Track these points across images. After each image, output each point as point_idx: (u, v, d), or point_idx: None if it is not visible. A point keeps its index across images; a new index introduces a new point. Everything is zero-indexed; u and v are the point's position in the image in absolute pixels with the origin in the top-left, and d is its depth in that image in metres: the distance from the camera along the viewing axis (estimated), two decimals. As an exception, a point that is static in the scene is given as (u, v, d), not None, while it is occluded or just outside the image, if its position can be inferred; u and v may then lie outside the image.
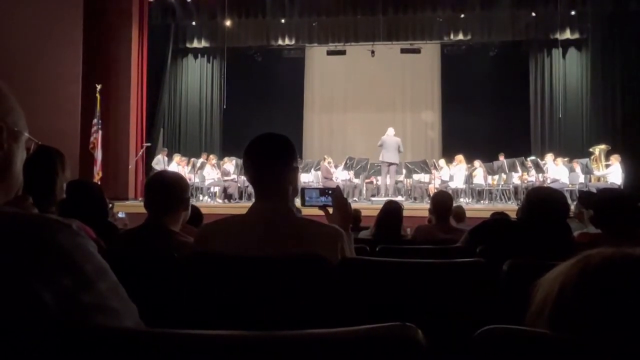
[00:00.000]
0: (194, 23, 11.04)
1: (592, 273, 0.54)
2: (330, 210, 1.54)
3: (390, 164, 8.70)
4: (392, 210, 3.00)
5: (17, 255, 0.57)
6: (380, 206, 3.16)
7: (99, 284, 0.62)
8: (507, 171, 8.77)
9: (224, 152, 11.26)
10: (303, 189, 1.56)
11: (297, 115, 12.70)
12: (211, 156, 9.83)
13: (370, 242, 2.41)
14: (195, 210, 2.88)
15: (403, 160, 9.77)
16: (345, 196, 1.73)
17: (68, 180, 1.56)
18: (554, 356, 0.49)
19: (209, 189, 9.22)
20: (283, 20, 10.72)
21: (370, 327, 0.52)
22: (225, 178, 9.19)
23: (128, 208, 7.05)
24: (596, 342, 0.49)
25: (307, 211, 1.68)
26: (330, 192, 1.55)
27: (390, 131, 8.90)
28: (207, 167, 9.35)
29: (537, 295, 0.60)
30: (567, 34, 10.50)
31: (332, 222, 1.46)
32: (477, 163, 9.10)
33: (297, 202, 1.58)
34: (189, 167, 9.27)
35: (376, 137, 9.13)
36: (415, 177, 9.39)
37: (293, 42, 11.25)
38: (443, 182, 8.97)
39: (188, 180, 2.04)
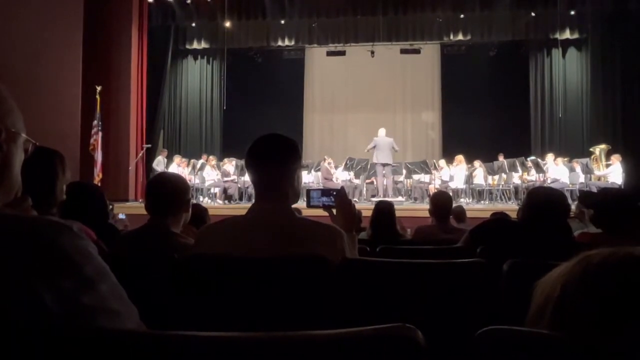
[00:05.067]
0: (193, 24, 11.04)
1: (593, 273, 0.54)
2: (335, 211, 1.54)
3: (385, 164, 8.69)
4: (383, 210, 3.02)
5: (18, 257, 0.57)
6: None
7: (100, 286, 0.62)
8: (508, 171, 8.77)
9: (224, 153, 11.27)
10: (308, 190, 1.56)
11: (297, 116, 12.71)
12: (211, 157, 9.84)
13: (368, 242, 2.41)
14: (201, 208, 2.87)
15: (403, 160, 9.77)
16: (345, 197, 1.72)
17: (68, 182, 1.56)
18: (555, 357, 0.49)
19: (209, 190, 9.23)
20: (283, 21, 10.73)
21: (370, 328, 0.52)
22: (225, 179, 9.19)
23: (128, 209, 7.05)
24: (597, 343, 0.49)
25: (312, 212, 1.68)
26: (334, 192, 1.55)
27: (382, 132, 8.89)
28: (207, 168, 9.36)
29: (538, 297, 0.60)
30: (567, 34, 10.50)
31: (335, 223, 1.45)
32: (477, 163, 9.10)
33: (301, 203, 1.58)
34: (189, 168, 9.28)
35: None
36: (416, 177, 9.39)
37: (293, 43, 11.26)
38: (443, 182, 8.97)
39: (188, 182, 2.04)
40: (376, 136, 8.90)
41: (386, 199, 8.49)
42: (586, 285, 0.54)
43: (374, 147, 8.73)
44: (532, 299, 0.60)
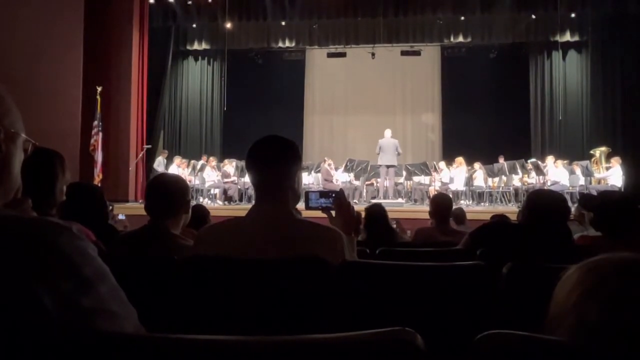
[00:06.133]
0: (194, 25, 11.06)
1: (605, 283, 0.54)
2: (334, 213, 1.54)
3: (389, 166, 8.70)
4: (374, 214, 2.99)
5: (17, 259, 0.57)
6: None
7: (99, 288, 0.62)
8: (508, 173, 8.77)
9: (224, 154, 11.27)
10: (307, 192, 1.56)
11: (298, 118, 12.71)
12: (211, 158, 9.84)
13: (363, 245, 2.40)
14: (203, 210, 2.86)
15: (403, 162, 9.77)
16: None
17: (68, 183, 1.56)
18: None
19: (209, 190, 9.22)
20: (283, 23, 10.74)
21: (370, 332, 0.51)
22: (226, 180, 9.19)
23: (128, 210, 7.05)
24: (597, 349, 0.48)
25: (311, 214, 1.68)
26: (333, 194, 1.55)
27: (388, 133, 8.89)
28: (207, 169, 9.36)
29: (552, 310, 0.59)
30: (567, 36, 10.52)
31: (334, 225, 1.45)
32: (477, 165, 9.11)
33: (302, 204, 1.58)
34: (189, 169, 9.28)
35: (376, 139, 9.12)
36: (416, 179, 9.39)
37: (293, 44, 11.27)
38: (443, 184, 8.97)
39: (188, 182, 2.04)
40: (381, 137, 8.90)
41: (386, 200, 8.50)
42: (606, 294, 0.53)
43: (379, 149, 8.73)
44: (548, 312, 0.60)
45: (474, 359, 0.49)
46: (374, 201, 8.67)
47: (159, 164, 9.45)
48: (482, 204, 8.86)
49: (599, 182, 8.59)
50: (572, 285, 0.57)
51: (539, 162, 8.73)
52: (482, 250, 1.71)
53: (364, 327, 0.53)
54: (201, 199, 8.95)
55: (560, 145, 10.70)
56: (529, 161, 8.86)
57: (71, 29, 7.82)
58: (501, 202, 8.92)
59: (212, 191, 9.26)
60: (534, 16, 10.27)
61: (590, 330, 0.52)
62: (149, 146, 9.78)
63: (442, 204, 3.19)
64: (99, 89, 8.33)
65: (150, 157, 9.93)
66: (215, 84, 12.21)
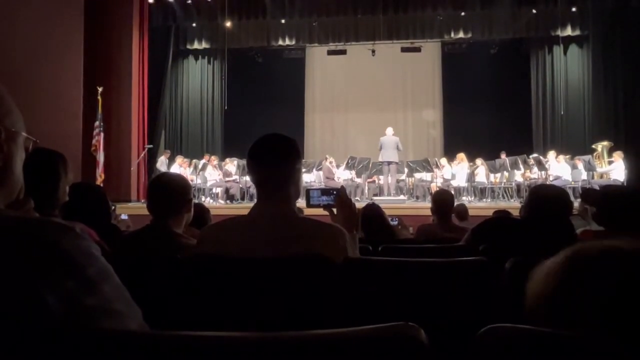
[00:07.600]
0: (194, 24, 11.06)
1: (580, 269, 0.54)
2: (335, 210, 1.54)
3: (390, 162, 8.69)
4: (369, 215, 2.91)
5: (21, 259, 0.57)
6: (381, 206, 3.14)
7: (103, 287, 0.62)
8: (509, 169, 8.76)
9: (226, 153, 11.28)
10: (308, 190, 1.56)
11: (298, 116, 12.71)
12: (213, 157, 9.85)
13: (366, 243, 2.40)
14: (203, 209, 2.86)
15: (405, 159, 9.76)
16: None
17: (71, 183, 1.57)
18: (558, 355, 0.48)
19: (210, 190, 9.24)
20: (283, 21, 10.73)
21: (373, 327, 0.52)
22: (227, 179, 9.21)
23: (130, 210, 7.07)
24: (601, 341, 0.48)
25: (312, 212, 1.68)
26: (334, 192, 1.54)
27: (389, 131, 8.90)
28: (209, 168, 9.37)
29: (530, 293, 0.59)
30: (568, 31, 10.48)
31: (336, 222, 1.45)
32: (479, 161, 9.09)
33: (302, 202, 1.58)
34: (191, 169, 9.29)
35: (378, 136, 9.12)
36: (417, 175, 9.38)
37: (293, 42, 11.26)
38: (445, 180, 8.96)
39: (190, 182, 2.04)
40: (383, 135, 8.90)
41: (388, 197, 8.50)
42: (579, 281, 0.54)
43: (381, 146, 8.73)
44: (525, 297, 0.60)
45: (476, 353, 0.50)
46: (376, 198, 8.68)
47: (162, 164, 9.47)
48: (484, 200, 8.85)
49: (601, 176, 8.57)
50: (550, 274, 0.57)
51: (541, 157, 8.71)
52: (484, 246, 1.71)
53: (367, 323, 0.54)
54: (203, 198, 8.96)
55: (562, 140, 10.68)
56: (530, 156, 8.84)
57: (71, 29, 7.82)
58: (503, 197, 8.91)
59: (213, 190, 9.27)
60: (534, 11, 10.24)
61: (569, 319, 0.52)
62: (151, 146, 9.79)
63: (444, 200, 3.18)
64: (100, 89, 8.34)
65: (151, 156, 9.95)
66: (215, 83, 12.21)
